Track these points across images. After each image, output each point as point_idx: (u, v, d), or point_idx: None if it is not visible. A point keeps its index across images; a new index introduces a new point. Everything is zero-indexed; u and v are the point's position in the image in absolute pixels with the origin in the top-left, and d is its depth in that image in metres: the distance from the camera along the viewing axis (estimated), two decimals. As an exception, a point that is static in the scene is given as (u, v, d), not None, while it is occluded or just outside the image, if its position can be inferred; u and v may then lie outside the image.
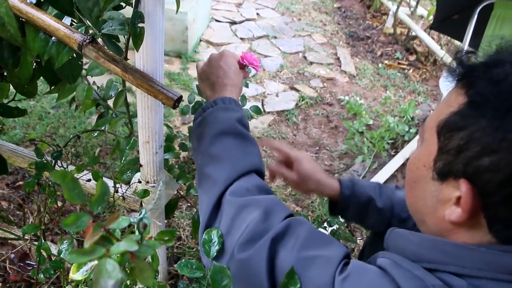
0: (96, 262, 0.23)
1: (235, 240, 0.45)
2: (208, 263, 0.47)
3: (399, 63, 3.59)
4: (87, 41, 0.57)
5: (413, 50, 3.70)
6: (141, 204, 0.77)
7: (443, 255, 0.38)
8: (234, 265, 0.43)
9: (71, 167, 0.80)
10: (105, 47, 0.58)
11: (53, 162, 0.76)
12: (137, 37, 0.53)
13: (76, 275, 0.35)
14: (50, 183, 0.75)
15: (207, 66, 0.70)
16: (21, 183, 1.66)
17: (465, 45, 1.79)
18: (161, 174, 0.73)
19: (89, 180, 0.77)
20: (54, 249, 0.97)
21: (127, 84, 0.63)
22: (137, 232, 0.28)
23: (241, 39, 3.54)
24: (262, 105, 2.69)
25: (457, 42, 3.63)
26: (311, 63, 3.45)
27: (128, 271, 0.24)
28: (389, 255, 0.42)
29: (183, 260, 0.46)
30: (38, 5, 0.55)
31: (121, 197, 0.79)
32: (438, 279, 0.37)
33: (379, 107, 2.87)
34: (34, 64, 0.60)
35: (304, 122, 2.59)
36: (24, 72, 0.57)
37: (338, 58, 3.53)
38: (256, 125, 2.53)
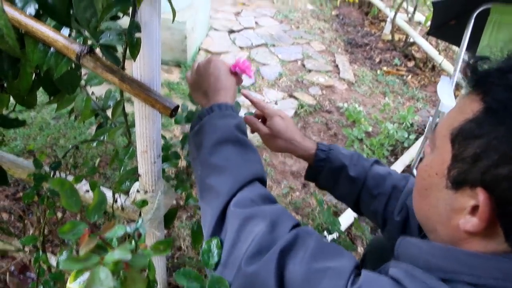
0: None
1: (242, 253, 0.44)
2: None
3: (397, 70, 3.60)
4: (85, 51, 0.57)
5: (412, 56, 3.72)
6: (140, 214, 0.77)
7: (457, 264, 0.37)
8: (242, 279, 0.42)
9: (70, 178, 0.80)
10: (103, 58, 0.59)
11: (52, 173, 0.77)
12: (134, 47, 0.54)
13: (73, 284, 0.34)
14: (48, 194, 0.75)
15: (196, 75, 0.70)
16: (21, 194, 1.66)
17: (462, 50, 1.81)
18: (160, 184, 0.73)
19: (88, 191, 0.77)
20: (54, 261, 0.96)
21: (125, 94, 0.64)
22: (133, 242, 0.28)
23: (240, 47, 3.54)
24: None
25: (455, 48, 3.66)
26: (310, 70, 3.45)
27: (122, 281, 0.24)
28: (401, 265, 0.41)
29: (181, 269, 0.45)
30: (37, 17, 0.56)
31: (120, 207, 0.79)
32: None
33: (378, 114, 2.86)
34: (34, 75, 0.60)
35: (304, 129, 2.58)
36: (23, 83, 0.58)
37: (337, 66, 3.52)
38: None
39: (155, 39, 0.62)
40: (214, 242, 0.45)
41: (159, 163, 0.75)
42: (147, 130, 0.74)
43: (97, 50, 0.60)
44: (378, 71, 3.56)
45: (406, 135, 2.56)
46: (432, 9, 2.09)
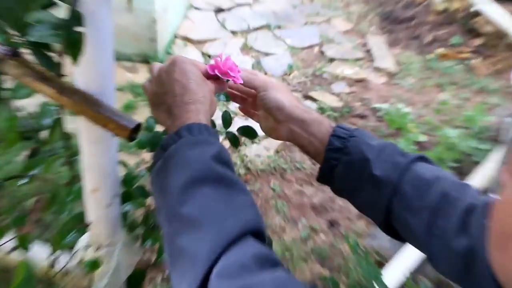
0: None
1: None
2: None
3: (458, 52, 3.63)
4: (8, 54, 0.59)
5: (478, 31, 3.75)
6: (91, 281, 0.76)
7: None
8: None
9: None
10: (34, 61, 0.61)
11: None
12: (74, 46, 0.55)
13: None
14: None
15: (156, 84, 0.71)
16: None
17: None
18: (118, 235, 0.73)
19: (15, 249, 0.77)
20: None
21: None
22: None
23: (232, 32, 3.62)
24: None
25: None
26: (332, 59, 3.47)
27: None
28: None
29: None
30: None
31: (62, 272, 0.78)
32: None
33: (433, 117, 2.86)
34: None
35: None
36: None
37: (369, 51, 3.57)
38: (259, 152, 2.55)
39: (105, 33, 0.64)
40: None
41: (117, 205, 0.76)
42: (98, 159, 0.76)
43: (26, 52, 0.61)
44: (430, 55, 3.60)
45: (476, 145, 2.56)
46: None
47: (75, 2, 0.58)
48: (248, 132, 1.05)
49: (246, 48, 3.52)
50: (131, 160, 2.38)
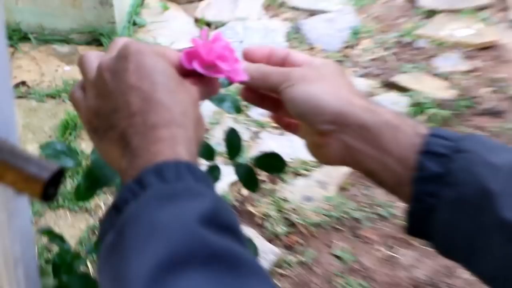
0: None
1: None
2: None
3: None
4: None
5: None
6: None
7: None
8: None
9: None
10: None
11: None
12: None
13: None
14: None
15: (97, 94, 0.74)
16: None
17: None
18: None
19: None
20: None
21: None
22: None
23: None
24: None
25: None
26: (431, 12, 3.50)
27: None
28: None
29: None
30: None
31: None
32: None
33: None
34: None
35: None
36: None
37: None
38: (308, 191, 2.57)
39: None
40: None
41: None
42: None
43: None
44: None
45: None
46: None
47: None
48: (270, 164, 1.04)
49: (273, 6, 3.54)
50: (76, 224, 2.41)
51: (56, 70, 3.06)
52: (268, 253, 2.28)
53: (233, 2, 3.51)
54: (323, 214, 2.50)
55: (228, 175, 1.22)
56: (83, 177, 1.03)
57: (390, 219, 2.50)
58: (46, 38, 3.19)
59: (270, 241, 2.37)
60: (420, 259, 2.30)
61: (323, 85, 0.80)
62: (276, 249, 2.34)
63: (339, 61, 3.24)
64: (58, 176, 0.68)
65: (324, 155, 0.80)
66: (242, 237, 0.65)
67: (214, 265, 0.58)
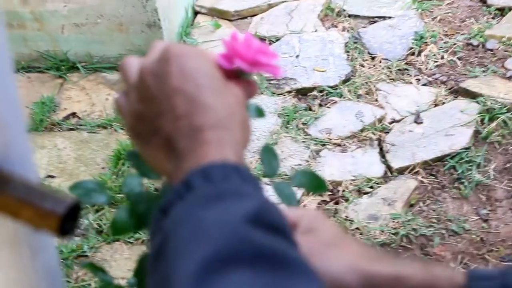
0: None
1: None
2: None
3: None
4: None
5: None
6: None
7: None
8: None
9: None
10: None
11: None
12: None
13: None
14: None
15: (140, 98, 0.76)
16: None
17: None
18: None
19: None
20: None
21: None
22: None
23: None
24: (382, 154, 2.86)
25: None
26: (502, 10, 3.42)
27: None
28: None
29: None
30: None
31: None
32: None
33: None
34: None
35: (507, 181, 2.64)
36: None
37: None
38: (373, 209, 2.62)
39: None
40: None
41: None
42: (17, 274, 0.78)
43: None
44: None
45: None
46: None
47: None
48: (308, 183, 1.04)
49: (330, 16, 3.54)
50: (133, 256, 2.45)
51: (106, 99, 3.14)
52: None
53: (287, 14, 3.51)
54: (390, 233, 2.52)
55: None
56: (122, 211, 1.04)
57: (462, 234, 2.50)
58: (94, 66, 3.26)
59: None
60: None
61: (339, 259, 0.82)
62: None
63: (402, 70, 3.27)
64: (75, 211, 0.70)
65: None
66: (290, 237, 0.67)
67: (260, 264, 0.59)
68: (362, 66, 3.24)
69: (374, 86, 3.15)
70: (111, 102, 3.11)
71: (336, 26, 3.48)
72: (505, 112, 2.88)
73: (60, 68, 3.29)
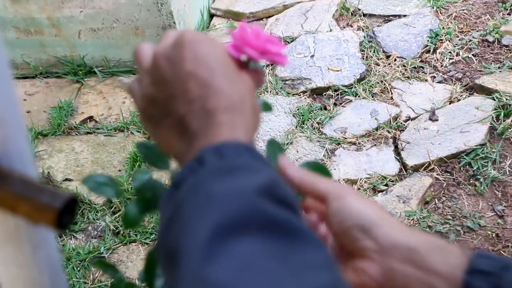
0: None
1: None
2: None
3: None
4: None
5: None
6: None
7: None
8: None
9: None
10: None
11: None
12: None
13: None
14: None
15: (153, 82, 0.78)
16: None
17: None
18: None
19: None
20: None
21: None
22: None
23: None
24: (397, 152, 2.87)
25: None
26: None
27: None
28: None
29: None
30: None
31: None
32: None
33: None
34: None
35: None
36: None
37: None
38: (389, 206, 2.60)
39: None
40: None
41: None
42: (19, 269, 0.80)
43: None
44: None
45: None
46: None
47: None
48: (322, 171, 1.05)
49: (345, 16, 3.55)
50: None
51: (123, 102, 3.18)
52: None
53: (302, 15, 3.52)
54: (407, 229, 2.46)
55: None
56: (134, 204, 1.05)
57: (477, 231, 2.51)
58: (111, 70, 3.29)
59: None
60: None
61: (372, 206, 0.82)
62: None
63: (417, 67, 3.28)
64: (72, 205, 0.72)
65: (359, 280, 0.81)
66: (299, 212, 0.68)
67: (270, 231, 0.62)
68: (377, 64, 3.22)
69: (389, 84, 3.15)
70: (127, 105, 3.13)
71: (351, 26, 3.50)
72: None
73: (78, 72, 3.32)
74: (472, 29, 3.36)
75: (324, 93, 3.07)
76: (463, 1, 3.58)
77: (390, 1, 3.57)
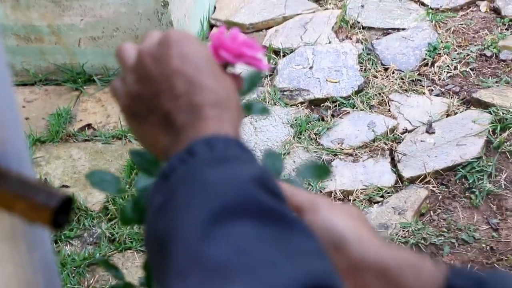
0: None
1: None
2: None
3: None
4: None
5: None
6: None
7: None
8: None
9: None
10: None
11: None
12: None
13: None
14: None
15: (137, 80, 0.79)
16: None
17: None
18: None
19: None
20: None
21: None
22: None
23: (316, 0, 3.73)
24: (394, 164, 2.89)
25: None
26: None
27: None
28: None
29: None
30: None
31: None
32: None
33: None
34: None
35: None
36: None
37: None
38: (384, 218, 2.65)
39: None
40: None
41: None
42: (14, 269, 0.81)
43: None
44: None
45: None
46: None
47: None
48: (316, 173, 1.06)
49: (344, 28, 3.57)
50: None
51: (116, 111, 3.16)
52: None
53: (301, 27, 3.55)
54: (400, 242, 2.54)
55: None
56: (131, 202, 1.05)
57: (472, 244, 2.51)
58: (110, 79, 3.27)
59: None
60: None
61: (347, 219, 0.82)
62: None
63: (415, 80, 3.30)
64: (67, 205, 0.72)
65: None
66: (286, 205, 0.69)
67: (265, 218, 0.63)
68: (375, 77, 3.24)
69: (387, 96, 3.17)
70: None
71: (350, 38, 3.51)
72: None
73: (77, 80, 3.33)
74: (470, 44, 3.37)
75: (322, 104, 3.09)
76: (461, 15, 3.59)
77: (389, 15, 3.61)
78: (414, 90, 3.19)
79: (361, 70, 3.30)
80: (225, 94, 0.76)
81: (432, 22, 3.54)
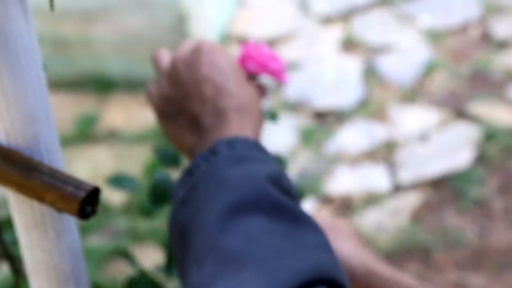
0: None
1: None
2: None
3: None
4: None
5: None
6: None
7: None
8: None
9: None
10: None
11: None
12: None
13: None
14: None
15: (170, 84, 0.81)
16: None
17: None
18: None
19: None
20: None
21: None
22: None
23: (323, 19, 3.74)
24: (390, 171, 2.90)
25: None
26: (504, 44, 3.44)
27: None
28: None
29: None
30: None
31: None
32: None
33: None
34: None
35: (504, 198, 2.61)
36: None
37: None
38: (381, 221, 2.66)
39: (25, 51, 0.71)
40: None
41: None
42: (42, 253, 0.82)
43: None
44: None
45: None
46: None
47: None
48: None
49: (349, 44, 3.57)
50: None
51: (144, 115, 3.15)
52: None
53: (310, 42, 3.59)
54: (397, 242, 2.56)
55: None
56: (149, 193, 1.06)
57: (461, 246, 2.51)
58: (133, 84, 3.34)
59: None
60: (492, 285, 2.29)
61: (351, 248, 0.85)
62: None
63: (413, 94, 3.31)
64: (95, 196, 0.73)
65: None
66: (299, 204, 0.71)
67: (277, 213, 0.65)
68: (376, 90, 3.27)
69: (386, 108, 3.21)
70: (149, 119, 3.12)
71: (353, 54, 3.49)
72: (506, 135, 2.91)
73: (100, 85, 3.41)
74: (464, 61, 3.35)
75: (325, 114, 3.10)
76: (458, 35, 3.57)
77: (389, 33, 3.57)
78: (411, 103, 3.19)
79: (363, 84, 3.34)
80: (247, 101, 0.78)
81: (428, 41, 3.52)
